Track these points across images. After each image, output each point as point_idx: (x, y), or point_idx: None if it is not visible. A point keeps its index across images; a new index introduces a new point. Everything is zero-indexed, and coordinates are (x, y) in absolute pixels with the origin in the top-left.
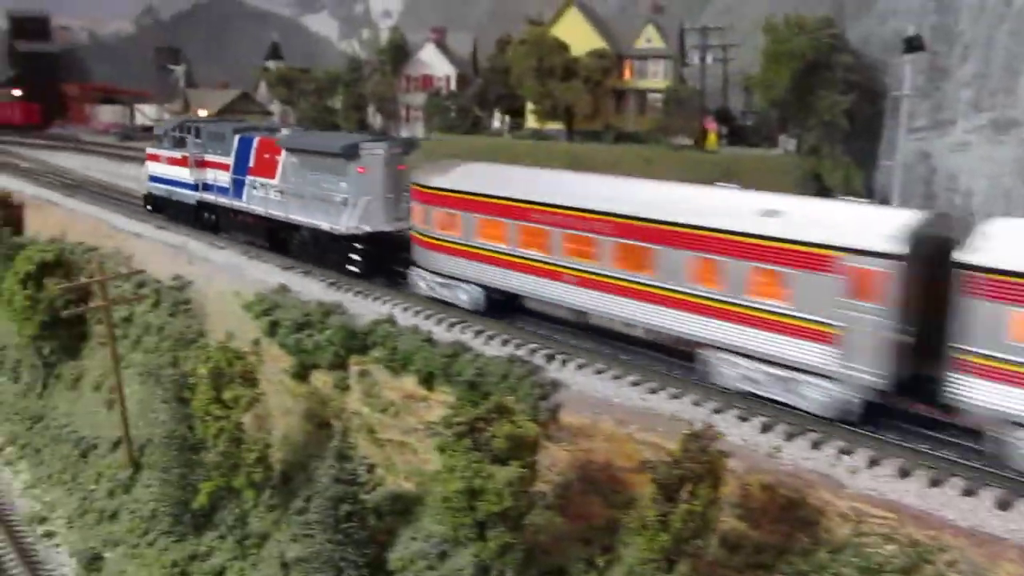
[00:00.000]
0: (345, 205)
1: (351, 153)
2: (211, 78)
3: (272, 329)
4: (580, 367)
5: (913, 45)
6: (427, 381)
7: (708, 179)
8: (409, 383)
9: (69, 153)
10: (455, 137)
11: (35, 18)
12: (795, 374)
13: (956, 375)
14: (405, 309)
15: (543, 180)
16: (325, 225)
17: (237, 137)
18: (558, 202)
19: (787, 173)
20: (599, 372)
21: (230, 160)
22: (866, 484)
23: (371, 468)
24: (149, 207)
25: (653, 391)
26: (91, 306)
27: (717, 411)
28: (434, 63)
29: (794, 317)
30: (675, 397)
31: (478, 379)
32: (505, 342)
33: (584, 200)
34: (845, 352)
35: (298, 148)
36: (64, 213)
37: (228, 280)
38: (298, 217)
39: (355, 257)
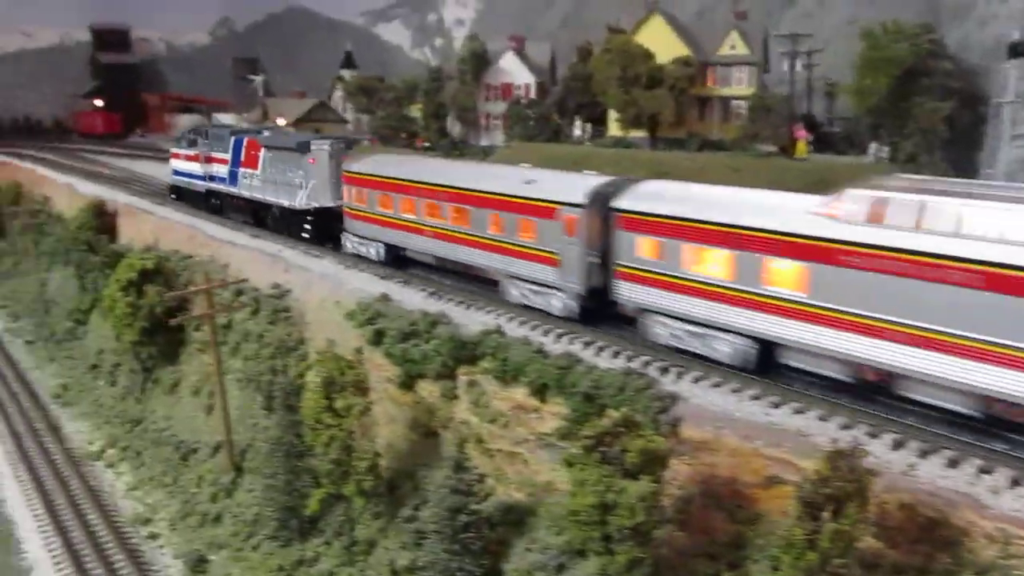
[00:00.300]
0: (300, 187)
1: (304, 148)
2: (285, 87)
3: (377, 338)
4: (696, 380)
5: (1018, 51)
6: (540, 392)
7: (799, 188)
8: (520, 394)
9: (150, 161)
10: (535, 145)
11: (116, 31)
12: (547, 289)
13: (616, 280)
14: (510, 319)
15: (414, 164)
16: (287, 203)
17: (233, 138)
18: (420, 179)
19: None
20: (716, 385)
21: (228, 156)
22: (1010, 505)
23: (481, 478)
24: (173, 195)
25: (776, 405)
26: (197, 314)
27: (845, 427)
28: (514, 71)
29: (540, 250)
30: (799, 412)
31: (594, 392)
32: (616, 354)
33: (432, 177)
34: (564, 271)
35: (271, 146)
36: (157, 221)
37: (327, 289)
38: (271, 198)
39: (307, 226)
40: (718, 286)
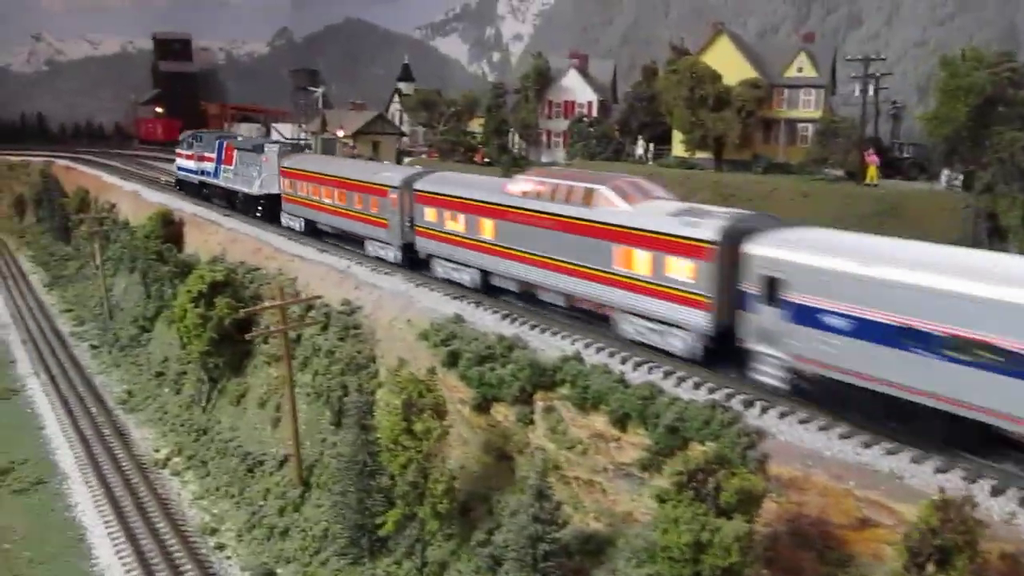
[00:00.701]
0: (256, 179)
1: (259, 149)
2: (341, 97)
3: (452, 360)
4: (782, 415)
5: None
6: (621, 422)
7: (871, 214)
8: (599, 422)
9: None
10: (597, 164)
11: (178, 40)
12: (386, 246)
13: (416, 237)
14: (587, 345)
15: (318, 162)
16: (247, 190)
17: (217, 141)
18: (320, 172)
19: (955, 211)
20: (803, 422)
21: (214, 156)
22: None
23: (558, 505)
24: (178, 187)
25: (867, 445)
26: (272, 330)
27: (940, 471)
28: (576, 89)
29: (380, 218)
30: (891, 453)
31: (678, 424)
32: (697, 385)
33: (327, 170)
34: (391, 232)
35: (240, 147)
36: (224, 233)
37: (398, 307)
38: (239, 187)
39: (259, 208)
40: (461, 237)
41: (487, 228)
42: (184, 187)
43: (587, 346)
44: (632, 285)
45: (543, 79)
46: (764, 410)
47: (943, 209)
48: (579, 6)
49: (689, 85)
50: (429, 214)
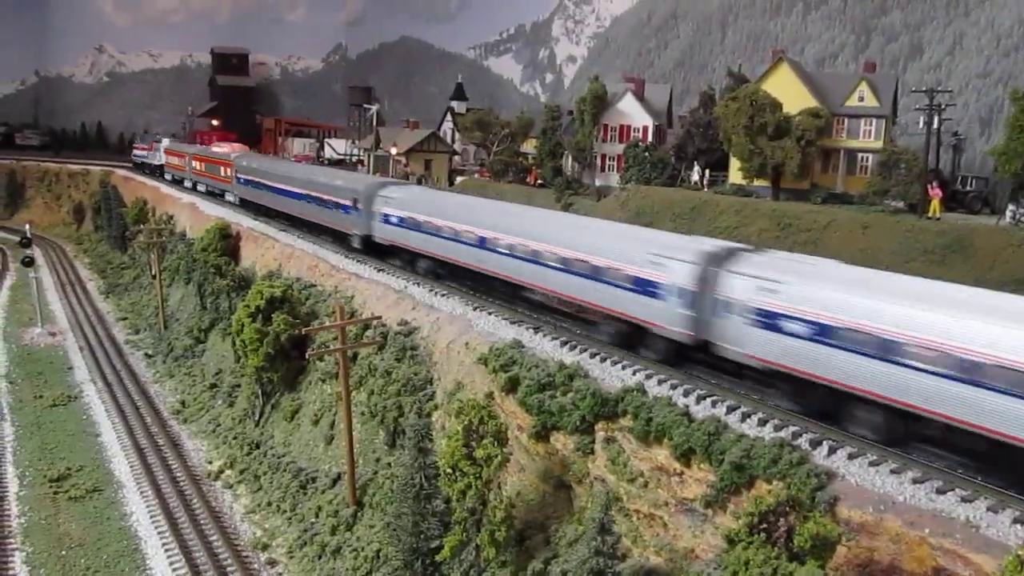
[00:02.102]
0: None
1: (159, 140)
2: (394, 114)
3: (511, 386)
4: (851, 456)
5: None
6: (684, 456)
7: (934, 249)
8: (661, 455)
9: None
10: (651, 189)
11: (236, 54)
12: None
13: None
14: (648, 376)
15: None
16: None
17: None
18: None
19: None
20: (874, 464)
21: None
22: None
23: (618, 538)
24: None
25: (940, 491)
26: (331, 349)
27: (1018, 520)
28: (632, 114)
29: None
30: (966, 500)
31: (744, 461)
32: (763, 421)
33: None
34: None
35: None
36: (281, 248)
37: (456, 330)
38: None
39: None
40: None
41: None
42: (141, 168)
43: (648, 377)
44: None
45: (599, 103)
46: (832, 450)
47: (1010, 245)
48: (635, 30)
49: (749, 113)
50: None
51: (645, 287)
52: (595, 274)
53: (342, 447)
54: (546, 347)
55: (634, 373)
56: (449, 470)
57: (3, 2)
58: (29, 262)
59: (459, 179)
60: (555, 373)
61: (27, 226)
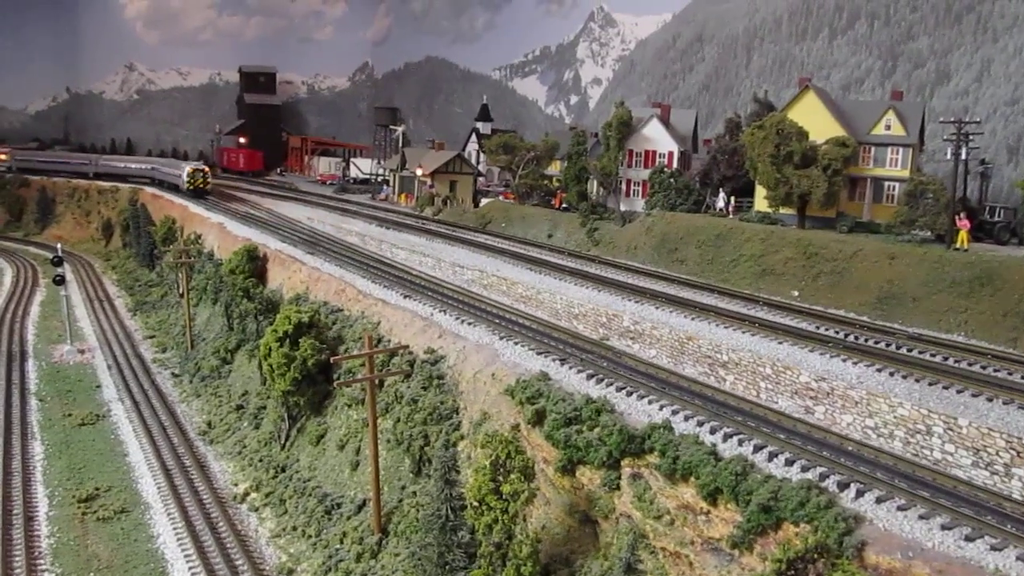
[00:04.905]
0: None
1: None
2: (418, 134)
3: (538, 418)
4: (879, 500)
5: None
6: (711, 496)
7: (963, 281)
8: (688, 493)
9: (293, 203)
10: (677, 215)
11: (264, 73)
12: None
13: None
14: (675, 412)
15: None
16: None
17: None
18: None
19: None
20: (902, 509)
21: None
22: None
23: None
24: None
25: (969, 539)
26: (359, 378)
27: None
28: (658, 139)
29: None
30: (995, 549)
31: (772, 503)
32: (790, 462)
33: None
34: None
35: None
36: (308, 271)
37: (483, 360)
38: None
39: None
40: None
41: None
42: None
43: (675, 413)
44: None
45: (625, 128)
46: (860, 493)
47: None
48: (660, 53)
49: (775, 141)
50: None
51: None
52: None
53: (367, 474)
54: (572, 379)
55: (660, 408)
56: (476, 503)
57: (36, 20)
58: (60, 280)
59: (484, 201)
60: (582, 407)
61: (59, 245)
